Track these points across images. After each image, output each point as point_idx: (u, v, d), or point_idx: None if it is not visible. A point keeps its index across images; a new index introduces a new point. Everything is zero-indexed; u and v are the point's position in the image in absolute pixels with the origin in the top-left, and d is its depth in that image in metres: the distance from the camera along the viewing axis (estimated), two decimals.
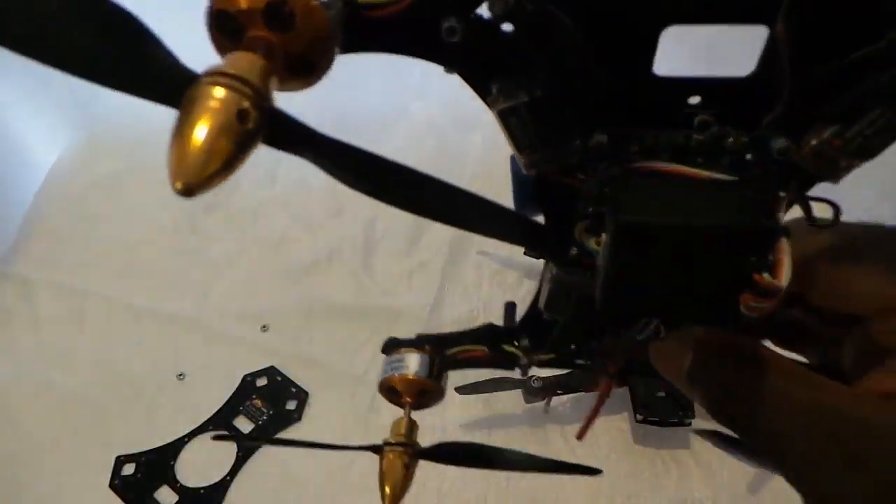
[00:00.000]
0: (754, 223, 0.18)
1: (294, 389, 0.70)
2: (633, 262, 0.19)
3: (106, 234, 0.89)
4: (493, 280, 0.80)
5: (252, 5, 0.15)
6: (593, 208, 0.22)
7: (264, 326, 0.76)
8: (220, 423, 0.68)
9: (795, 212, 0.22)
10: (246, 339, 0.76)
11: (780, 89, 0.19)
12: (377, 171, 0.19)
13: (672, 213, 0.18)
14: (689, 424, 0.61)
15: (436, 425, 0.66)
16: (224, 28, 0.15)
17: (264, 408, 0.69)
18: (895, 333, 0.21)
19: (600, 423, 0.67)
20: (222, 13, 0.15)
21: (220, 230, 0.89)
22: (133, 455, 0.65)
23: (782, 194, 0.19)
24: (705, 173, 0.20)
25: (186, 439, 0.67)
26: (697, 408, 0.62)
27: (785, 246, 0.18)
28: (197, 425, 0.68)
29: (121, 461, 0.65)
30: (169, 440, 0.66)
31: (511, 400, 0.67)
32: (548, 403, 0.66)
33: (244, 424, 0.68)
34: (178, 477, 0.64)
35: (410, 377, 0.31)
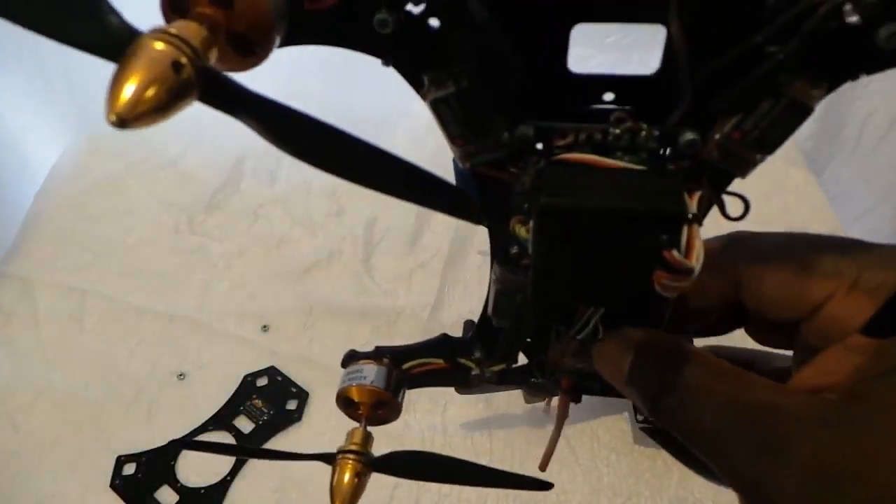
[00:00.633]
0: (662, 206, 0.19)
1: (294, 389, 0.70)
2: (557, 245, 0.20)
3: (106, 234, 0.89)
4: None
5: None
6: (526, 203, 0.23)
7: (264, 326, 0.76)
8: (220, 423, 0.68)
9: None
10: (246, 339, 0.76)
11: (682, 85, 0.20)
12: (314, 134, 0.20)
13: (589, 197, 0.19)
14: None
15: (436, 425, 0.66)
16: (174, 3, 0.17)
17: (264, 408, 0.69)
18: (820, 332, 0.22)
19: (600, 423, 0.67)
20: None
21: (220, 230, 0.89)
22: (133, 455, 0.65)
23: (698, 192, 0.20)
24: (620, 163, 0.21)
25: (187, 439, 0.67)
26: None
27: (696, 232, 0.19)
28: (197, 425, 0.67)
29: (121, 461, 0.65)
30: (169, 440, 0.66)
31: (511, 400, 0.67)
32: (548, 403, 0.66)
33: (244, 424, 0.68)
34: (179, 477, 0.64)
35: (368, 387, 0.31)
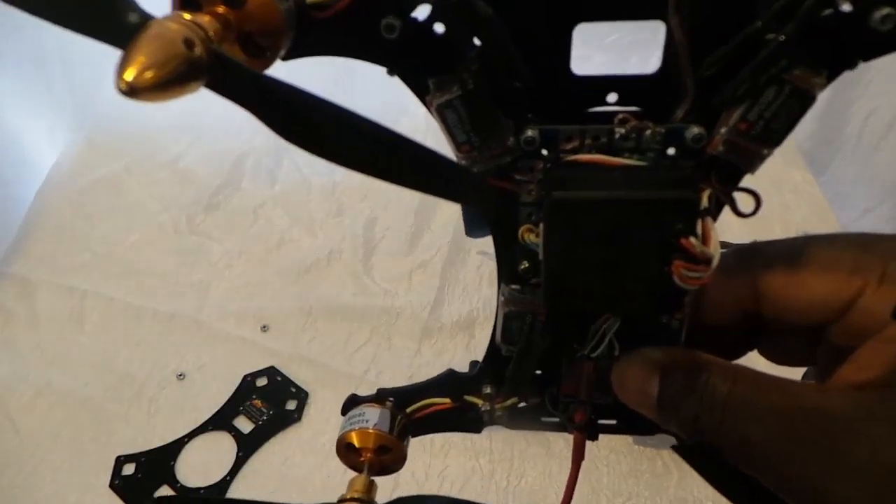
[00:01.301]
0: (676, 192, 0.19)
1: (294, 389, 0.70)
2: (569, 243, 0.20)
3: (106, 234, 0.89)
4: (493, 280, 0.79)
5: None
6: (535, 215, 0.23)
7: (264, 326, 0.77)
8: (220, 423, 0.68)
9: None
10: (246, 339, 0.76)
11: (685, 79, 0.20)
12: (343, 125, 0.19)
13: (600, 189, 0.19)
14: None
15: None
16: (185, 1, 0.18)
17: (264, 408, 0.69)
18: (851, 330, 0.21)
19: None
20: None
21: (220, 230, 0.89)
22: (133, 455, 0.65)
23: (708, 190, 0.20)
24: (629, 161, 0.21)
25: (186, 439, 0.67)
26: None
27: (711, 224, 0.19)
28: (197, 425, 0.68)
29: (121, 461, 0.65)
30: (169, 440, 0.66)
31: None
32: None
33: (244, 424, 0.68)
34: (179, 477, 0.64)
35: (370, 430, 0.29)
